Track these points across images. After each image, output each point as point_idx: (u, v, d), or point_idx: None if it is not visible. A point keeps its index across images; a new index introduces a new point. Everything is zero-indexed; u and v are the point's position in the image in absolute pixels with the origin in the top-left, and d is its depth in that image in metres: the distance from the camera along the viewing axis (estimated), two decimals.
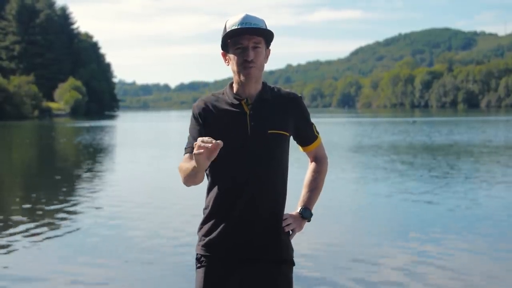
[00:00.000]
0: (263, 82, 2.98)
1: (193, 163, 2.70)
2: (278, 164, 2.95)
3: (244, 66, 2.86)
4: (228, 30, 2.87)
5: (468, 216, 10.32)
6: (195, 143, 2.61)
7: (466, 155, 22.31)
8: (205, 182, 3.01)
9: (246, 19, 2.86)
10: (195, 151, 2.58)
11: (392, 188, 13.56)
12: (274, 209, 2.95)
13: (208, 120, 2.94)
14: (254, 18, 2.88)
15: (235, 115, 2.91)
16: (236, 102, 2.93)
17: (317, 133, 3.11)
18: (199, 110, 2.95)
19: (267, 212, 2.92)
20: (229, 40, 2.89)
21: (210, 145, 2.55)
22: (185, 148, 2.96)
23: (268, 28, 2.92)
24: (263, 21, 2.91)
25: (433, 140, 30.60)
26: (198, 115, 2.95)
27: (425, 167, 18.18)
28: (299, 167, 10.18)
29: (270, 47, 2.99)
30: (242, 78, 2.90)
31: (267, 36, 2.90)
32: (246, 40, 2.85)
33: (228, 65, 2.96)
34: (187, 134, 3.01)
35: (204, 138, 2.60)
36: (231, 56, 2.90)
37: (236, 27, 2.84)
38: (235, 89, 2.96)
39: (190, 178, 2.82)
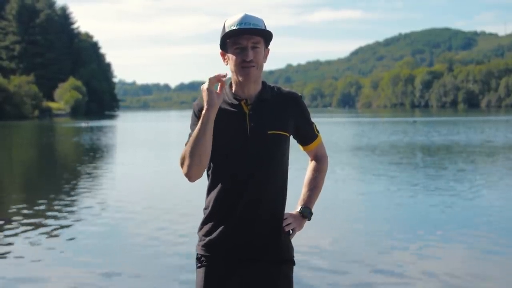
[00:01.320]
0: (262, 82, 2.97)
1: (197, 125, 2.79)
2: (278, 164, 2.94)
3: (243, 66, 2.85)
4: (227, 29, 2.86)
5: (468, 215, 10.32)
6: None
7: (466, 155, 22.30)
8: (205, 182, 3.01)
9: (245, 19, 2.85)
10: (207, 83, 2.76)
11: (392, 188, 13.56)
12: (275, 209, 2.94)
13: None
14: (253, 18, 2.87)
15: (234, 116, 2.90)
16: (235, 102, 2.92)
17: (317, 132, 3.11)
18: (199, 108, 2.93)
19: (268, 212, 2.92)
20: (228, 40, 2.87)
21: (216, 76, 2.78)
22: (186, 144, 2.94)
23: (268, 28, 2.91)
24: (262, 21, 2.90)
25: (433, 140, 30.60)
26: (199, 113, 2.92)
27: (425, 167, 18.18)
28: (299, 166, 10.19)
29: (270, 47, 2.98)
30: (241, 78, 2.88)
31: (266, 36, 2.89)
32: (245, 40, 2.84)
33: (227, 64, 2.95)
34: (188, 132, 3.00)
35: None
36: (230, 56, 2.89)
37: (235, 27, 2.83)
38: (234, 89, 2.95)
39: (197, 146, 2.78)
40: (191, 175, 2.84)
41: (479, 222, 9.72)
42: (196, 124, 2.87)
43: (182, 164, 2.85)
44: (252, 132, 2.88)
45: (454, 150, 24.27)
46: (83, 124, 57.41)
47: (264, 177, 2.89)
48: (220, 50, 2.96)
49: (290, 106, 2.98)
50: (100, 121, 68.66)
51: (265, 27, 2.89)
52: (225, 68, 2.96)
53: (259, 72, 2.90)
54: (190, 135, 2.88)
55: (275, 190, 2.94)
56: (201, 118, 2.79)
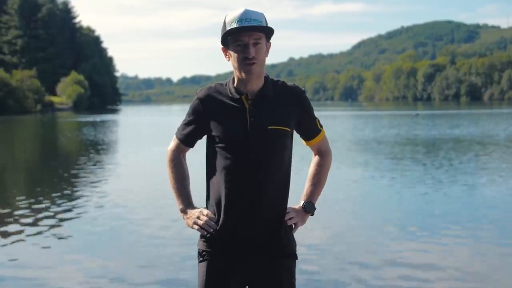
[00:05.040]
0: (265, 76, 2.96)
1: (177, 196, 3.10)
2: (279, 159, 2.93)
3: (245, 63, 2.85)
4: (227, 26, 2.85)
5: (471, 210, 10.32)
6: (198, 215, 2.97)
7: (469, 148, 22.28)
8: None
9: (246, 14, 2.83)
10: (193, 223, 2.96)
11: (394, 182, 13.56)
12: (276, 203, 2.94)
13: (208, 114, 2.95)
14: (254, 13, 2.85)
15: (235, 110, 2.90)
16: (236, 96, 2.92)
17: (321, 126, 3.10)
18: (201, 103, 2.97)
19: (269, 206, 2.91)
20: (229, 37, 2.87)
21: (205, 232, 2.93)
22: (176, 133, 3.09)
23: (269, 21, 2.90)
24: (262, 15, 2.88)
25: (436, 133, 30.56)
26: (196, 109, 2.99)
27: (427, 161, 18.16)
28: (304, 161, 10.16)
29: (272, 40, 2.97)
30: (243, 75, 2.88)
31: (267, 31, 2.89)
32: (246, 37, 2.83)
33: (228, 60, 2.94)
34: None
35: (208, 219, 2.93)
36: (232, 52, 2.89)
37: (235, 24, 2.81)
38: (236, 84, 2.95)
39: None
40: None
41: (483, 217, 9.72)
42: (189, 121, 3.02)
43: (166, 157, 3.14)
44: (252, 127, 2.88)
45: (456, 144, 24.23)
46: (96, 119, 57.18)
47: (265, 172, 2.89)
48: (221, 46, 2.95)
49: (292, 101, 2.97)
50: (103, 116, 68.62)
51: (265, 21, 2.87)
52: (227, 63, 2.95)
53: (261, 68, 2.90)
54: (180, 127, 3.06)
55: (277, 184, 2.93)
56: (178, 203, 3.08)
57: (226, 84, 2.98)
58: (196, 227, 2.94)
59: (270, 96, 2.94)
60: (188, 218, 2.98)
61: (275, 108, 2.93)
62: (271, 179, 2.91)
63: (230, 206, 2.90)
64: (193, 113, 3.00)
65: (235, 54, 2.86)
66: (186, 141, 3.08)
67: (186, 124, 3.04)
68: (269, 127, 2.89)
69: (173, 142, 3.12)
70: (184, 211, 3.02)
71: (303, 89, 3.03)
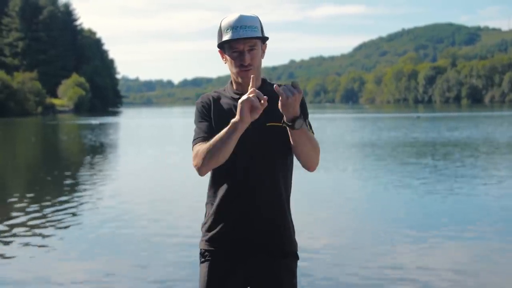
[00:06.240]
0: (263, 79, 3.02)
1: (224, 130, 2.74)
2: (279, 156, 2.96)
3: (241, 70, 2.91)
4: (223, 31, 2.90)
5: (471, 211, 10.32)
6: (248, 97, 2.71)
7: (469, 150, 22.27)
8: (207, 176, 3.03)
9: (240, 21, 2.87)
10: (245, 101, 2.70)
11: (395, 184, 13.56)
12: (277, 202, 2.96)
13: (211, 115, 2.98)
14: (248, 18, 2.89)
15: (234, 109, 2.90)
16: (236, 96, 2.95)
17: (312, 132, 3.01)
18: (204, 104, 3.00)
19: (270, 205, 2.93)
20: (224, 44, 2.92)
21: (257, 103, 2.69)
22: (195, 139, 2.93)
23: (270, 24, 3.02)
24: (257, 19, 2.93)
25: (437, 135, 30.55)
26: (203, 108, 2.99)
27: (428, 163, 18.16)
28: None
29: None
30: (240, 80, 2.95)
31: (261, 40, 2.94)
32: (241, 45, 2.89)
33: (225, 63, 2.99)
34: (193, 127, 3.03)
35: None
36: (228, 58, 2.95)
37: (230, 31, 2.87)
38: (235, 87, 3.01)
39: (220, 148, 2.78)
40: (205, 171, 2.87)
41: (483, 218, 9.73)
42: (202, 120, 2.95)
43: (196, 158, 2.85)
44: (251, 124, 2.89)
45: (458, 146, 24.23)
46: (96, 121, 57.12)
47: (266, 170, 2.92)
48: (218, 49, 3.00)
49: None
50: (104, 118, 68.65)
51: (260, 24, 2.92)
52: (225, 66, 2.99)
53: (257, 72, 2.95)
54: (196, 131, 2.94)
55: (277, 182, 2.95)
56: (230, 125, 2.77)
57: (224, 89, 3.05)
58: (248, 103, 2.73)
59: (268, 95, 2.95)
60: (239, 109, 2.75)
61: (273, 106, 2.91)
62: (271, 177, 2.93)
63: (231, 205, 2.92)
64: (201, 112, 2.99)
65: (232, 60, 2.92)
66: (210, 136, 2.89)
67: (201, 122, 2.98)
68: (267, 124, 2.92)
69: (195, 148, 2.91)
70: (235, 120, 2.78)
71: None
